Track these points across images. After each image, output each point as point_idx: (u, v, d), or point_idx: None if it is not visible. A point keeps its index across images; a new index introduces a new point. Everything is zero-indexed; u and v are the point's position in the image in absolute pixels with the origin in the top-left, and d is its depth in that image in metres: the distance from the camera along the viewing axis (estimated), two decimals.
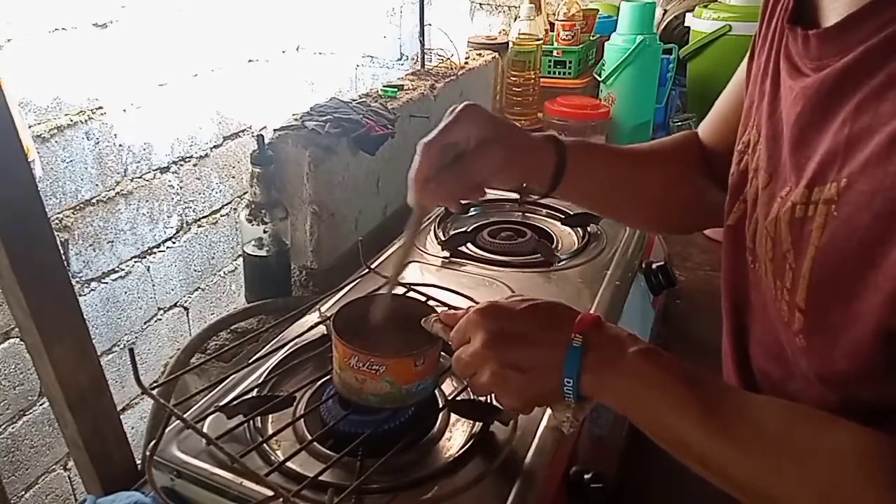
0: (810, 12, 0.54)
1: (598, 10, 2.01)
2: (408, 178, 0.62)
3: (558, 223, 1.20)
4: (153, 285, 1.87)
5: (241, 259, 1.14)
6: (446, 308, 0.87)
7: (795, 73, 0.53)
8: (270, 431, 0.70)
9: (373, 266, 0.99)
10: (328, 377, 0.73)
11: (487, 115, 0.64)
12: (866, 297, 0.44)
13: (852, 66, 0.47)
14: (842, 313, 0.46)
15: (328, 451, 0.67)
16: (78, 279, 1.64)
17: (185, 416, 0.68)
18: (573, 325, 0.56)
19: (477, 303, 0.90)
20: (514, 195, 1.27)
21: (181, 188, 1.92)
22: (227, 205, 2.10)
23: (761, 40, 0.62)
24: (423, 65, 1.61)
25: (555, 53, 1.82)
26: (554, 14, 1.92)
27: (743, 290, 0.62)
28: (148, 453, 0.65)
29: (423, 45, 1.64)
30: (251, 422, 0.70)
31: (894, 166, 0.41)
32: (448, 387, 0.78)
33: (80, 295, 1.64)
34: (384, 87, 1.36)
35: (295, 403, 0.74)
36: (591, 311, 0.93)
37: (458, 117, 0.62)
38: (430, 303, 0.83)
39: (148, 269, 1.84)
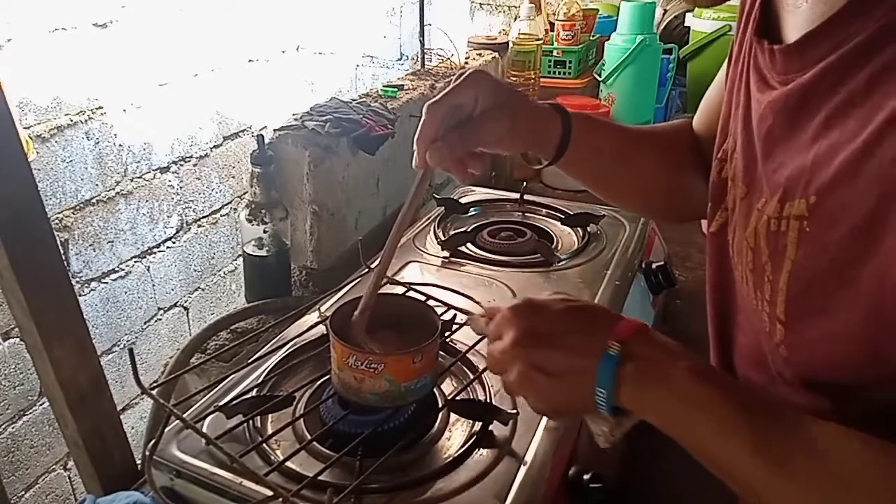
0: (775, 26, 0.54)
1: (598, 10, 2.01)
2: (413, 140, 0.61)
3: (558, 223, 1.20)
4: (153, 285, 1.87)
5: (241, 259, 1.14)
6: (445, 307, 0.87)
7: (763, 85, 0.53)
8: (270, 431, 0.70)
9: (373, 266, 0.99)
10: (328, 377, 0.74)
11: (494, 81, 0.64)
12: (841, 314, 0.44)
13: (814, 82, 0.47)
14: (821, 327, 0.46)
15: (328, 451, 0.67)
16: (78, 279, 1.64)
17: (184, 415, 0.68)
18: (612, 331, 0.52)
19: (477, 302, 0.91)
20: (514, 195, 1.27)
21: (181, 188, 1.92)
22: (227, 205, 2.10)
23: (738, 47, 0.61)
24: (423, 65, 1.61)
25: (555, 53, 1.82)
26: (554, 14, 1.92)
27: (727, 298, 0.62)
28: (147, 453, 0.65)
29: (423, 45, 1.64)
30: (251, 421, 0.70)
31: (861, 185, 0.41)
32: (448, 386, 0.78)
33: (80, 295, 1.64)
34: (384, 87, 1.36)
35: (294, 403, 0.74)
36: None
37: (464, 81, 0.62)
38: (430, 302, 0.83)
39: (148, 269, 1.84)
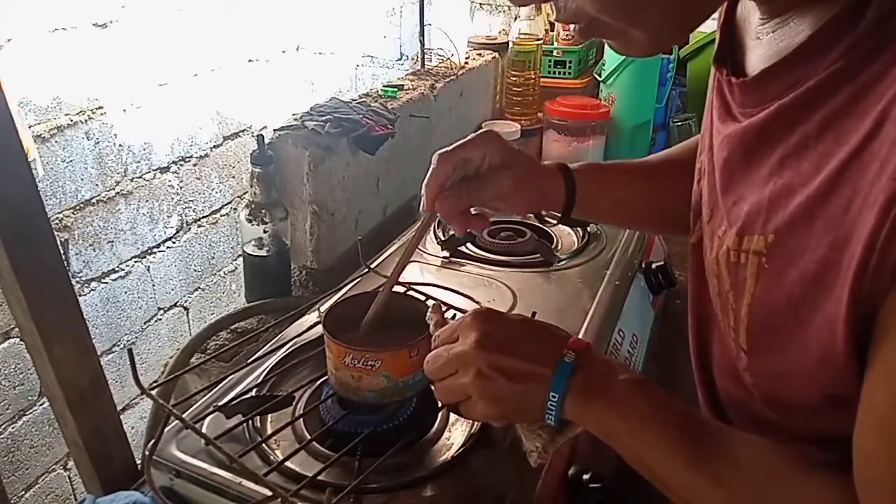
0: (740, 54, 0.53)
1: None
2: (423, 185, 0.65)
3: (558, 223, 1.20)
4: (153, 285, 1.87)
5: (241, 259, 1.14)
6: (445, 307, 0.87)
7: (725, 114, 0.53)
8: (269, 431, 0.71)
9: (373, 266, 0.99)
10: (327, 376, 0.74)
11: (503, 142, 0.68)
12: (794, 354, 0.44)
13: (770, 121, 0.46)
14: (778, 362, 0.46)
15: (327, 451, 0.67)
16: (78, 279, 1.64)
17: (184, 415, 0.68)
18: (566, 343, 0.56)
19: (477, 302, 0.91)
20: None
21: (181, 188, 1.92)
22: (227, 205, 2.10)
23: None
24: (423, 65, 1.61)
25: (555, 53, 1.82)
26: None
27: (705, 310, 0.61)
28: (147, 453, 0.65)
29: (423, 45, 1.64)
30: (250, 421, 0.70)
31: (816, 230, 0.41)
32: None
33: (80, 295, 1.64)
34: (384, 87, 1.36)
35: (294, 403, 0.74)
36: (591, 311, 0.93)
37: (475, 138, 0.66)
38: (429, 302, 0.83)
39: (148, 269, 1.84)
